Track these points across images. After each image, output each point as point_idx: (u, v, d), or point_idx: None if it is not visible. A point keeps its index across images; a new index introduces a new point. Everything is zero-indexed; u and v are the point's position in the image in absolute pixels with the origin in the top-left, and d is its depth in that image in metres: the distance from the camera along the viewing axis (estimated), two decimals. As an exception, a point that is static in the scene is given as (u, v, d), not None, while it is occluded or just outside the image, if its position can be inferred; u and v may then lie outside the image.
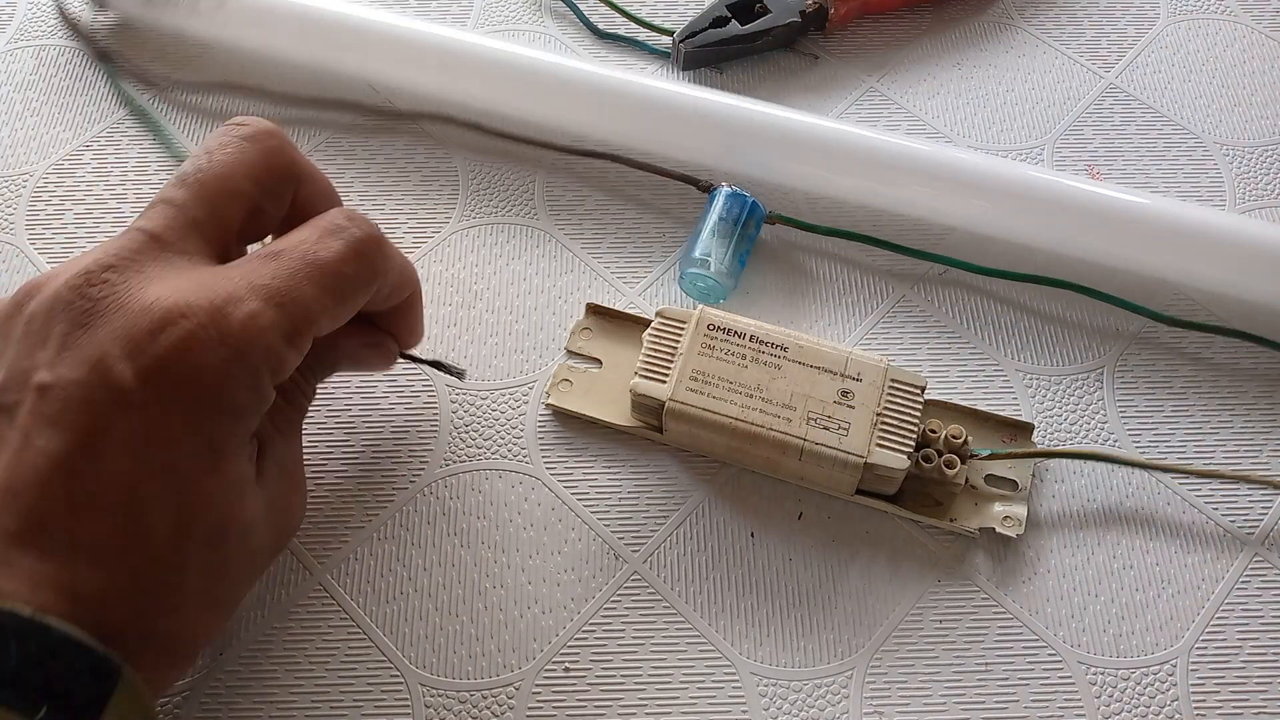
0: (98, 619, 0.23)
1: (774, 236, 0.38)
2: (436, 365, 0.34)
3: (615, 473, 0.34)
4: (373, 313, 0.30)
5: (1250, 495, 0.33)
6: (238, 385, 0.25)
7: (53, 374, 0.24)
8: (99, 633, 0.23)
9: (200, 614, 0.26)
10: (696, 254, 0.36)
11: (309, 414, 0.32)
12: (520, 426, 0.35)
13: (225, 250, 0.27)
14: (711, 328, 0.33)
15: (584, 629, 0.31)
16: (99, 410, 0.24)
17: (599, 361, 0.36)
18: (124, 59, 0.42)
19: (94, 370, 0.24)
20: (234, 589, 0.27)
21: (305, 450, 0.34)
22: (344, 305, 0.27)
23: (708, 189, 0.38)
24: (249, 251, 0.29)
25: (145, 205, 0.39)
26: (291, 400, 0.29)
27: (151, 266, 0.26)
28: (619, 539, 0.33)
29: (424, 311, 0.32)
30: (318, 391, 0.31)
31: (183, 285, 0.25)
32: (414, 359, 0.34)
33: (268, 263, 0.26)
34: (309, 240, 0.27)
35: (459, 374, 0.34)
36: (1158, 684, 0.31)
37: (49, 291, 0.25)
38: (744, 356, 0.33)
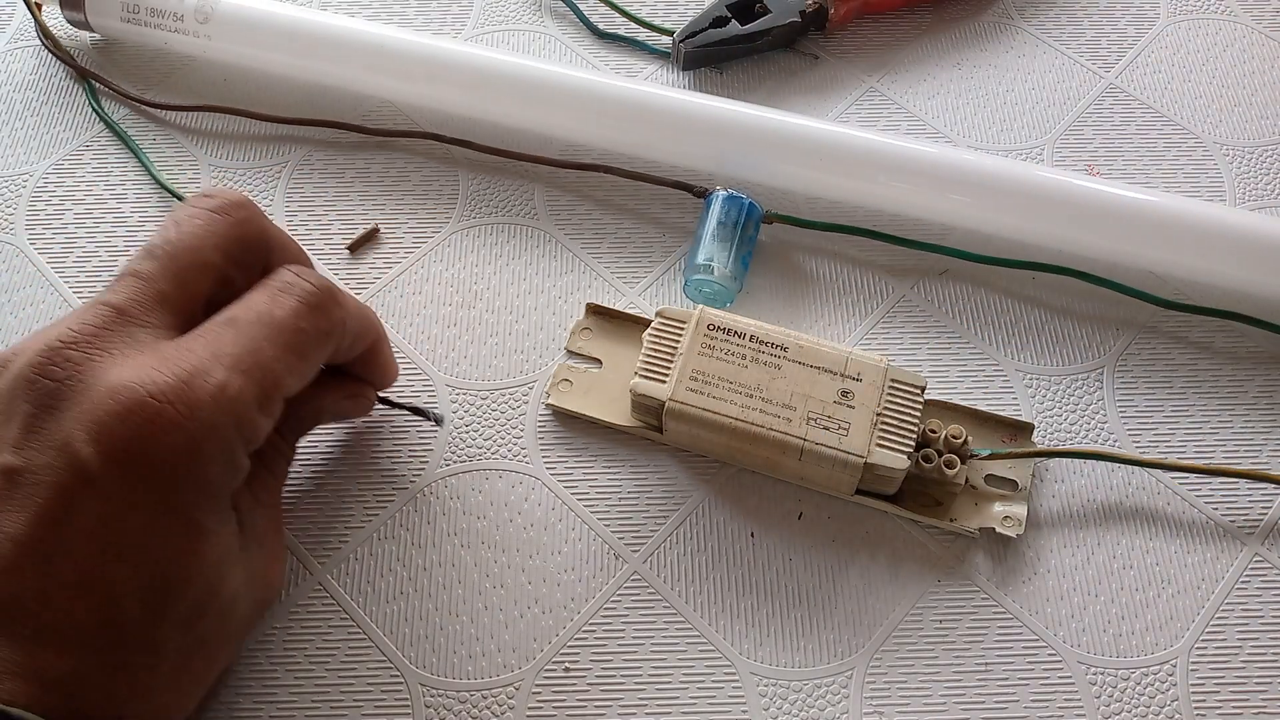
0: (67, 705, 0.23)
1: (773, 237, 0.38)
2: (415, 411, 0.34)
3: (615, 473, 0.34)
4: (342, 362, 0.30)
5: (1250, 494, 0.33)
6: (210, 460, 0.25)
7: (18, 457, 0.24)
8: (67, 719, 0.23)
9: (175, 693, 0.25)
10: (699, 260, 0.36)
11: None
12: (520, 426, 0.35)
13: (192, 321, 0.27)
14: (711, 328, 0.33)
15: (584, 629, 0.31)
16: (66, 494, 0.23)
17: (599, 361, 0.36)
18: (106, 78, 0.42)
19: (60, 454, 0.23)
20: (211, 665, 0.27)
21: (307, 451, 0.34)
22: (307, 361, 0.27)
23: (703, 194, 0.38)
24: None
25: (144, 204, 0.39)
26: (270, 465, 0.29)
27: (115, 342, 0.25)
28: (619, 539, 0.33)
29: (392, 352, 0.32)
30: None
31: (147, 363, 0.25)
32: (393, 404, 0.34)
33: (226, 329, 0.26)
34: (262, 301, 0.27)
35: (438, 420, 0.34)
36: (1158, 684, 0.31)
37: (13, 370, 0.25)
38: (744, 356, 0.33)
